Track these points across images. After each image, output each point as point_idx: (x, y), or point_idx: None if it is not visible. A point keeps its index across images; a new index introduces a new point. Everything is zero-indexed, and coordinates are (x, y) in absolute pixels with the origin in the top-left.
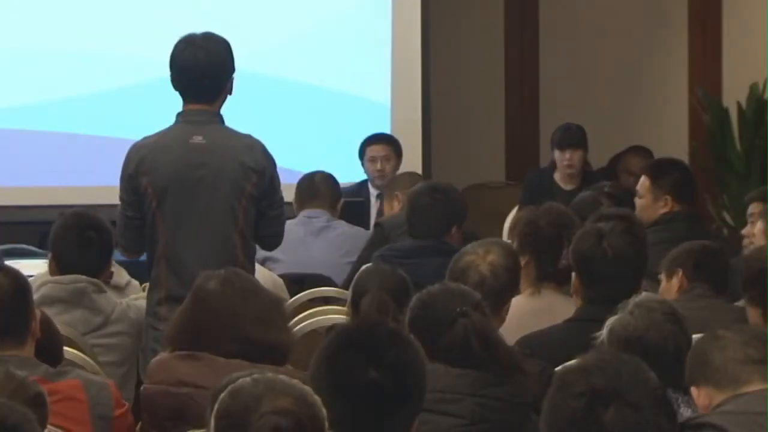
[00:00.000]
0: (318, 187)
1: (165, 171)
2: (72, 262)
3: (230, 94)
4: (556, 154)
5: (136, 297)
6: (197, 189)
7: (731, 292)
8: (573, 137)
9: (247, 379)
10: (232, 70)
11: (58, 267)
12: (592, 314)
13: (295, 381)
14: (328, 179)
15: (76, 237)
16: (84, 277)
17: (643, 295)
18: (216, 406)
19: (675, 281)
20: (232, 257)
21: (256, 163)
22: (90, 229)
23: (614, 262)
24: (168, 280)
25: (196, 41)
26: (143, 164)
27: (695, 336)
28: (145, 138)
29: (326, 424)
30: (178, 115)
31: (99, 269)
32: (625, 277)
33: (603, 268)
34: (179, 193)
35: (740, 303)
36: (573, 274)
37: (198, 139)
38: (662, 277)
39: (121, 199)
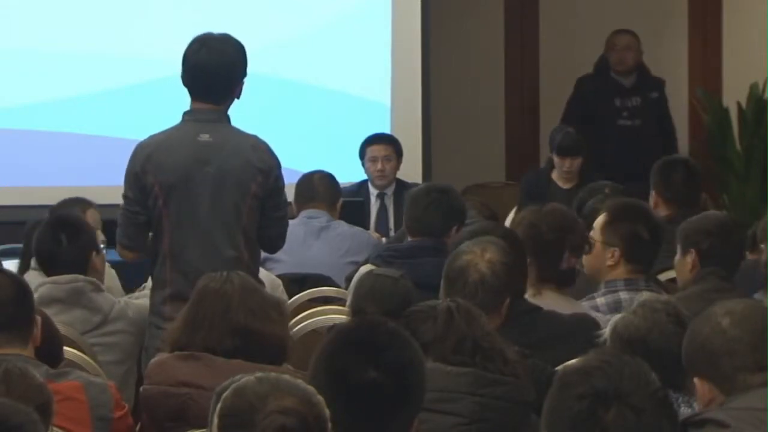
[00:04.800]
0: (316, 189)
1: (172, 168)
2: (52, 260)
3: (238, 98)
4: (556, 159)
5: (137, 296)
6: (203, 187)
7: (746, 286)
8: (573, 146)
9: (251, 378)
10: (244, 74)
11: (41, 268)
12: None
13: (299, 381)
14: (327, 179)
15: (50, 235)
16: (81, 276)
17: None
18: (219, 405)
19: (689, 259)
20: (237, 256)
21: (262, 162)
22: (62, 226)
23: None
24: (173, 279)
25: (210, 42)
26: (150, 162)
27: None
28: (152, 136)
29: (329, 424)
30: (185, 113)
31: (81, 264)
32: None
33: None
34: (185, 191)
35: (757, 295)
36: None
37: (205, 137)
38: (678, 250)
39: (125, 196)
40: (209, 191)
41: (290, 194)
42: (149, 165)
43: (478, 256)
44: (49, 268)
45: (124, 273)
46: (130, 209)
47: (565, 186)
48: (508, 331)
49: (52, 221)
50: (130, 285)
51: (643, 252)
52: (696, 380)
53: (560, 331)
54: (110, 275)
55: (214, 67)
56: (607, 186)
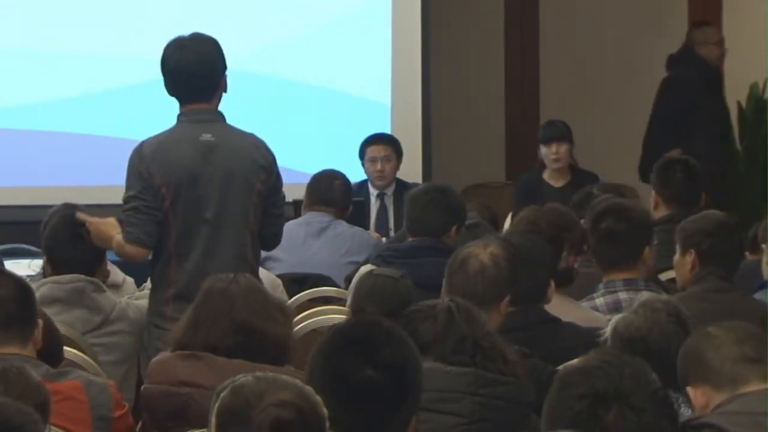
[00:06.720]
0: (336, 194)
1: (178, 169)
2: (65, 260)
3: (225, 91)
4: (543, 150)
5: (137, 296)
6: (210, 187)
7: (746, 286)
8: (557, 131)
9: (250, 377)
10: (224, 67)
11: (51, 267)
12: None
13: (297, 380)
14: (346, 188)
15: (67, 235)
16: (83, 276)
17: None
18: (217, 403)
19: (688, 259)
20: (242, 256)
21: (265, 160)
22: (80, 226)
23: None
24: (178, 279)
25: (183, 43)
26: (155, 163)
27: None
28: (152, 138)
29: (327, 422)
30: (180, 115)
31: (94, 265)
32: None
33: None
34: (192, 191)
35: (757, 295)
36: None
37: (207, 136)
38: (677, 250)
39: (134, 196)
40: (216, 191)
41: (290, 194)
42: (154, 166)
43: (481, 248)
44: (63, 266)
45: (124, 273)
46: (149, 206)
47: (557, 184)
48: (527, 340)
49: (71, 219)
50: None
51: (613, 250)
52: (689, 390)
53: (578, 342)
54: (129, 282)
55: (195, 67)
56: (595, 186)
